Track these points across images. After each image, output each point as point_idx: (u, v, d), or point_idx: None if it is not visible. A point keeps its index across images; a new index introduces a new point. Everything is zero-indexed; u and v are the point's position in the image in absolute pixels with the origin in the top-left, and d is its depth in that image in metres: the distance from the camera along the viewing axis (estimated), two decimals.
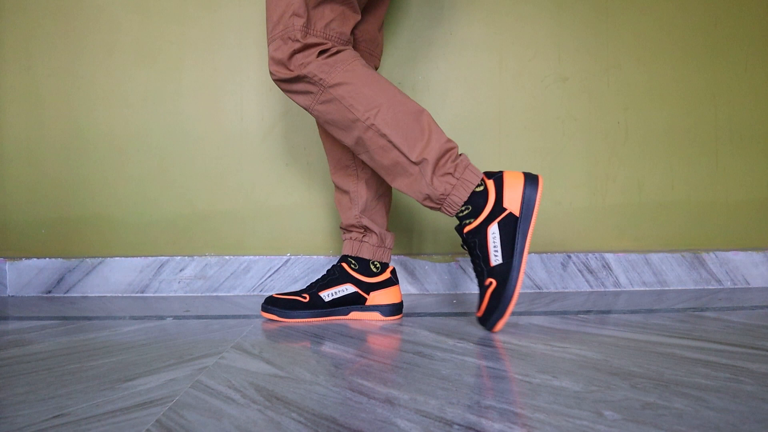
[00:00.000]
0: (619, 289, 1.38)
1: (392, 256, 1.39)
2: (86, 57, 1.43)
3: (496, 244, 0.90)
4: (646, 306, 1.15)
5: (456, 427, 0.51)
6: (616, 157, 1.45)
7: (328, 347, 0.85)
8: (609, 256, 1.39)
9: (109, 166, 1.43)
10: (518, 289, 0.89)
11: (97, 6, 1.42)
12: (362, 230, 1.12)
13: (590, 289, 1.38)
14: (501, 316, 0.90)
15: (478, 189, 0.92)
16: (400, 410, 0.55)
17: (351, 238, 1.12)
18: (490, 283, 0.91)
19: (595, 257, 1.39)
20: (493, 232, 0.90)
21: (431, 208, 0.95)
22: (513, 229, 0.90)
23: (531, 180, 0.91)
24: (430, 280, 1.39)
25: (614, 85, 1.44)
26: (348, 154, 1.11)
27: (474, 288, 1.38)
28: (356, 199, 1.11)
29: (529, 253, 1.39)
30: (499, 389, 0.61)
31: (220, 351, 0.83)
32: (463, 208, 0.92)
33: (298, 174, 1.43)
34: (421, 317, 1.08)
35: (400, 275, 1.39)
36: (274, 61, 0.96)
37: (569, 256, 1.38)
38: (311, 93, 0.95)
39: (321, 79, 0.93)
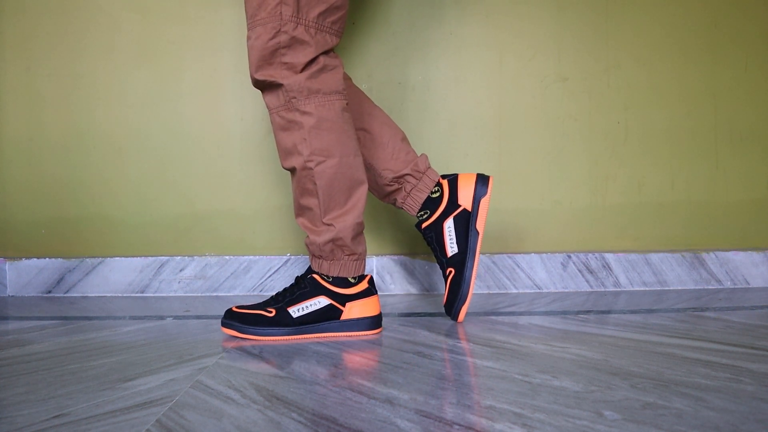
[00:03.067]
0: (619, 289, 1.38)
1: (393, 257, 1.39)
2: (86, 57, 1.43)
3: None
4: (646, 306, 1.15)
5: (456, 427, 0.51)
6: (616, 157, 1.45)
7: (328, 347, 0.85)
8: (609, 256, 1.39)
9: (109, 166, 1.43)
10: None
11: (97, 6, 1.42)
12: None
13: (590, 289, 1.38)
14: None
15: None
16: (400, 410, 0.55)
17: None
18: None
19: (595, 257, 1.39)
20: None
21: (307, 247, 0.97)
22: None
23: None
24: (430, 280, 1.39)
25: (614, 85, 1.44)
26: None
27: (475, 288, 1.38)
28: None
29: (530, 253, 1.39)
30: (499, 389, 0.61)
31: (220, 351, 0.83)
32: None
33: None
34: (421, 317, 1.08)
35: (401, 276, 1.39)
36: (255, 51, 0.88)
37: (569, 256, 1.38)
38: (279, 100, 0.91)
39: (294, 97, 0.90)
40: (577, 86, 1.44)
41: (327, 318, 0.93)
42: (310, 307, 0.92)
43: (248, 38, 0.90)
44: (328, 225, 0.93)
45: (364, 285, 0.95)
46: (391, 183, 1.07)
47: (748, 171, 1.46)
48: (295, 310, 0.92)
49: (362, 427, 0.51)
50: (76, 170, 1.43)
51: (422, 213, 1.05)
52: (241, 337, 0.91)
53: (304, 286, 0.94)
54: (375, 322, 0.94)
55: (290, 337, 0.92)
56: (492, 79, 1.43)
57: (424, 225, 1.04)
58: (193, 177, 1.43)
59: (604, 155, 1.45)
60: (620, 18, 1.44)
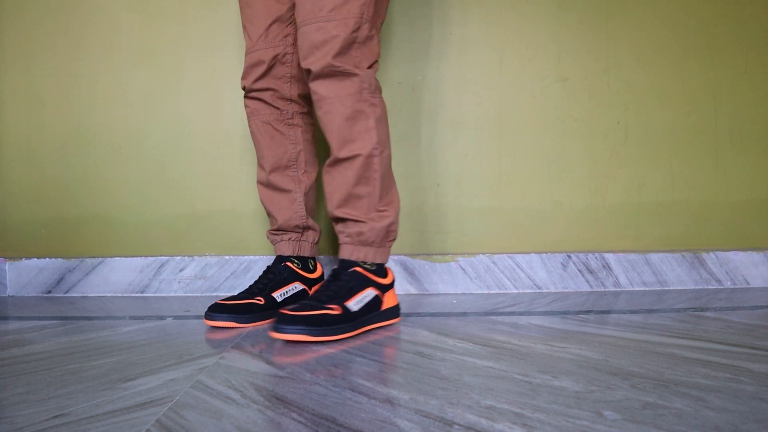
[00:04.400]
0: (619, 289, 1.38)
1: (393, 256, 1.39)
2: (86, 57, 1.43)
3: (363, 300, 0.93)
4: (646, 306, 1.15)
5: (456, 427, 0.51)
6: (616, 157, 1.45)
7: (327, 347, 0.85)
8: (609, 256, 1.39)
9: (109, 166, 1.43)
10: (336, 337, 0.87)
11: (96, 5, 1.42)
12: (299, 230, 1.13)
13: (590, 289, 1.38)
14: (305, 333, 0.85)
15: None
16: (400, 410, 0.55)
17: (290, 239, 1.13)
18: (333, 308, 0.88)
19: (595, 257, 1.39)
20: (369, 294, 0.94)
21: (348, 238, 0.98)
22: (373, 308, 0.95)
23: (396, 309, 1.02)
24: (430, 280, 1.39)
25: (614, 85, 1.44)
26: (292, 152, 1.12)
27: (475, 288, 1.38)
28: (298, 199, 1.12)
29: (530, 253, 1.39)
30: (499, 389, 0.61)
31: (220, 351, 0.83)
32: (369, 265, 0.98)
33: None
34: (421, 317, 1.08)
35: (400, 275, 1.39)
36: (339, 39, 0.90)
37: (569, 256, 1.38)
38: (346, 89, 0.93)
39: (366, 89, 0.94)
40: (577, 86, 1.44)
41: (373, 309, 0.94)
42: (364, 300, 0.93)
43: (327, 20, 0.91)
44: (383, 210, 0.97)
45: (392, 275, 1.02)
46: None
47: (748, 171, 1.46)
48: (353, 305, 0.91)
49: (362, 427, 0.51)
50: (76, 170, 1.43)
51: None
52: (312, 341, 0.85)
53: (349, 280, 0.94)
54: (399, 309, 1.03)
55: (353, 333, 0.89)
56: (492, 79, 1.43)
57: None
58: (193, 177, 1.43)
59: (604, 155, 1.45)
60: (620, 18, 1.44)
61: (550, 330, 0.93)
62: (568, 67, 1.44)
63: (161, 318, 1.09)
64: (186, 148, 1.43)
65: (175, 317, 1.10)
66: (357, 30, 0.92)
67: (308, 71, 0.95)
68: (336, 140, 0.95)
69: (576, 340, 0.85)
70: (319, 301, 0.89)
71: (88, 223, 1.44)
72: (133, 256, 1.40)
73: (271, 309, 1.04)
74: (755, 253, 1.40)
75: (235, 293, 1.38)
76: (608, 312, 1.09)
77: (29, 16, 1.42)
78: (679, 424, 0.51)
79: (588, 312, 1.09)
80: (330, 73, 0.93)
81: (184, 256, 1.40)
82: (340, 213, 0.98)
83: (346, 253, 0.98)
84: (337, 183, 0.97)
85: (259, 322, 1.02)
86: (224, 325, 0.98)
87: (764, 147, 1.46)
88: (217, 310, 0.99)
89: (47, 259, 1.40)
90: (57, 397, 0.61)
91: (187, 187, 1.43)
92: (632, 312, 1.08)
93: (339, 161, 0.96)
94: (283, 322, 0.84)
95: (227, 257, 1.39)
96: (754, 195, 1.46)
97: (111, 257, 1.40)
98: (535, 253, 1.39)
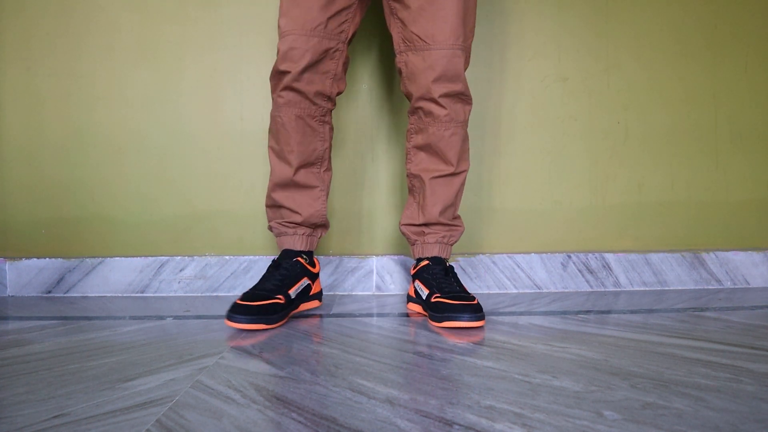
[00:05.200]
0: (619, 289, 1.38)
1: (393, 257, 1.39)
2: (86, 57, 1.43)
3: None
4: (646, 306, 1.15)
5: (456, 427, 0.51)
6: (616, 157, 1.45)
7: (327, 347, 0.85)
8: (609, 256, 1.39)
9: (108, 166, 1.43)
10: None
11: (97, 6, 1.42)
12: (313, 226, 1.15)
13: (590, 289, 1.38)
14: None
15: None
16: (400, 410, 0.55)
17: (303, 234, 1.13)
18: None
19: (595, 257, 1.39)
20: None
21: (448, 239, 1.15)
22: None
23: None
24: None
25: (614, 85, 1.44)
26: (320, 149, 1.13)
27: (475, 288, 1.38)
28: (321, 196, 1.14)
29: (530, 253, 1.39)
30: (499, 389, 0.61)
31: (220, 351, 0.83)
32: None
33: None
34: (421, 317, 1.08)
35: (401, 276, 1.39)
36: (462, 69, 1.04)
37: (569, 256, 1.38)
38: (465, 114, 1.09)
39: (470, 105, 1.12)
40: (577, 86, 1.44)
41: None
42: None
43: (463, 49, 1.04)
44: (458, 217, 1.17)
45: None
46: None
47: (748, 171, 1.46)
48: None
49: (362, 427, 0.51)
50: (75, 170, 1.43)
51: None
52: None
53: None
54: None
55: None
56: (492, 79, 1.43)
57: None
58: (193, 177, 1.43)
59: (604, 155, 1.45)
60: (620, 18, 1.44)
61: (550, 330, 0.93)
62: (568, 67, 1.44)
63: (161, 318, 1.09)
64: (186, 148, 1.43)
65: (175, 317, 1.10)
66: (467, 62, 1.08)
67: (428, 91, 1.05)
68: (455, 157, 1.10)
69: (576, 340, 0.85)
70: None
71: (88, 223, 1.44)
72: (133, 256, 1.40)
73: (289, 307, 1.03)
74: (755, 253, 1.40)
75: (235, 293, 1.38)
76: (608, 312, 1.09)
77: (29, 16, 1.42)
78: (679, 424, 0.51)
79: (588, 312, 1.09)
80: (462, 100, 1.07)
81: (184, 256, 1.40)
82: (443, 219, 1.12)
83: (437, 251, 1.13)
84: (446, 193, 1.12)
85: (282, 321, 1.01)
86: (253, 328, 0.94)
87: (764, 147, 1.46)
88: (242, 311, 0.93)
89: (47, 259, 1.40)
90: (57, 397, 0.61)
91: (187, 187, 1.43)
92: (632, 312, 1.08)
93: (452, 174, 1.12)
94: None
95: (227, 257, 1.39)
96: (754, 195, 1.46)
97: (111, 257, 1.40)
98: (535, 253, 1.39)
